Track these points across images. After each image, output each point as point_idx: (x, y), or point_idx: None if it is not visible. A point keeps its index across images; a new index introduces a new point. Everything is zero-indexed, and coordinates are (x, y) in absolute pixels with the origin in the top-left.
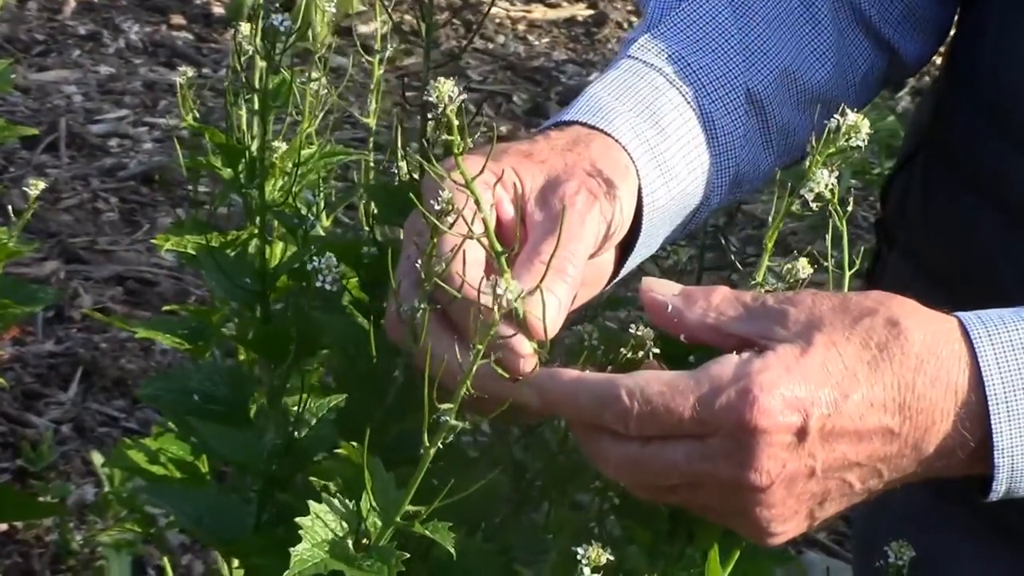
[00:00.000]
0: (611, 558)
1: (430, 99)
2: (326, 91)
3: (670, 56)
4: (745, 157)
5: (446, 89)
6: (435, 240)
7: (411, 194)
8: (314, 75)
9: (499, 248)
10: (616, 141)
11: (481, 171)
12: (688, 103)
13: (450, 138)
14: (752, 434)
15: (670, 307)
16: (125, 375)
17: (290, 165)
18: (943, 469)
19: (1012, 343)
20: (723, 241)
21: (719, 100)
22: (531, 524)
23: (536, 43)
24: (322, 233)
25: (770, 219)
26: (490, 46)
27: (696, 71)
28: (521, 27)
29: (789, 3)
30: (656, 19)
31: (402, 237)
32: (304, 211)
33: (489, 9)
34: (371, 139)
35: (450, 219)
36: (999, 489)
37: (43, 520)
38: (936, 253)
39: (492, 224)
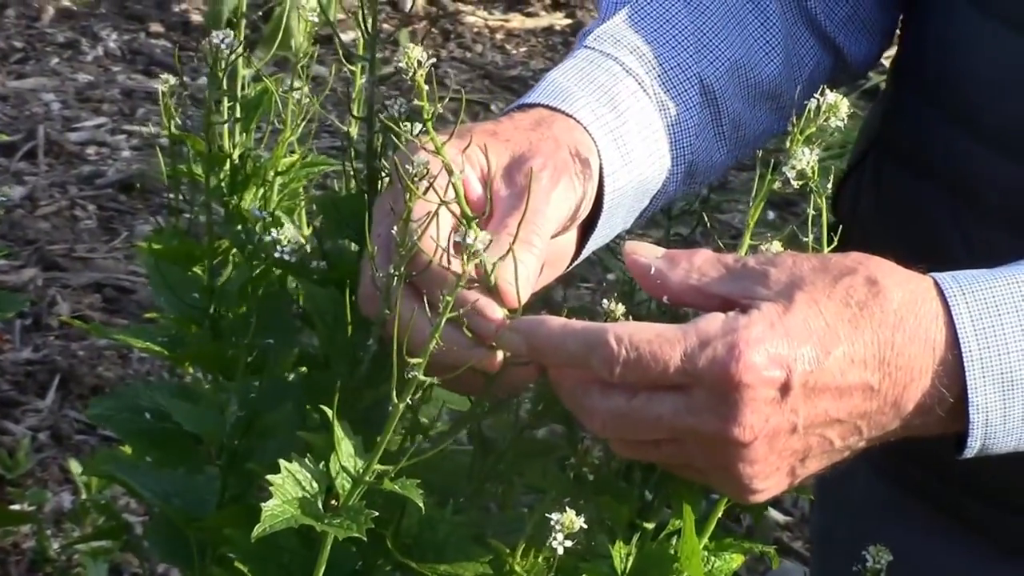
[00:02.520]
0: (584, 525)
1: (400, 65)
2: (308, 100)
3: (626, 46)
4: (699, 147)
5: (415, 55)
6: (411, 205)
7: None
8: (296, 84)
9: (469, 213)
10: (578, 122)
11: (448, 139)
12: (644, 91)
13: (419, 103)
14: (736, 389)
15: (653, 269)
16: (103, 383)
17: (272, 174)
18: (921, 427)
19: (986, 301)
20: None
21: (674, 90)
22: (500, 501)
23: (514, 52)
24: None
25: (752, 195)
26: (468, 55)
27: (651, 61)
28: (499, 36)
29: None
30: (612, 12)
31: (374, 211)
32: (283, 221)
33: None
34: (351, 148)
35: (424, 184)
36: (974, 445)
37: (20, 527)
38: (890, 247)
39: (462, 190)
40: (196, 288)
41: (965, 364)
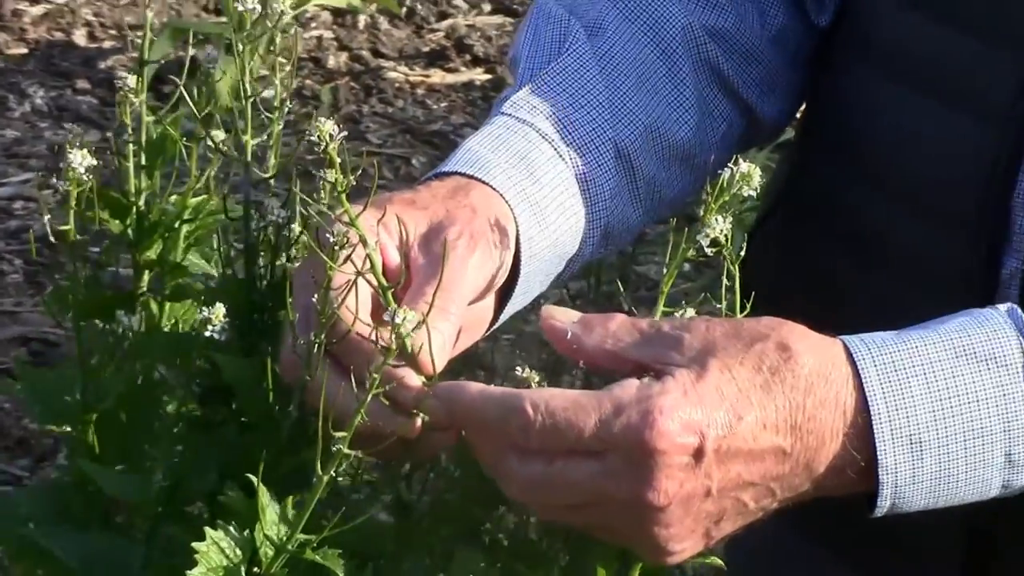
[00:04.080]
0: None
1: (312, 138)
2: (226, 148)
3: (541, 112)
4: (615, 210)
5: (327, 128)
6: (331, 274)
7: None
8: (219, 136)
9: (385, 284)
10: (495, 190)
11: (362, 211)
12: (560, 156)
13: (333, 174)
14: (651, 455)
15: (570, 334)
16: (28, 435)
17: (177, 222)
18: (833, 488)
19: (894, 365)
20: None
21: (589, 154)
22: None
23: (435, 107)
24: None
25: (666, 264)
26: (390, 110)
27: (567, 126)
28: (420, 91)
29: (652, 63)
30: (527, 78)
31: (294, 280)
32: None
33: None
34: (269, 196)
35: (343, 254)
36: (884, 505)
37: None
38: (797, 303)
39: (379, 261)
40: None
41: (874, 427)
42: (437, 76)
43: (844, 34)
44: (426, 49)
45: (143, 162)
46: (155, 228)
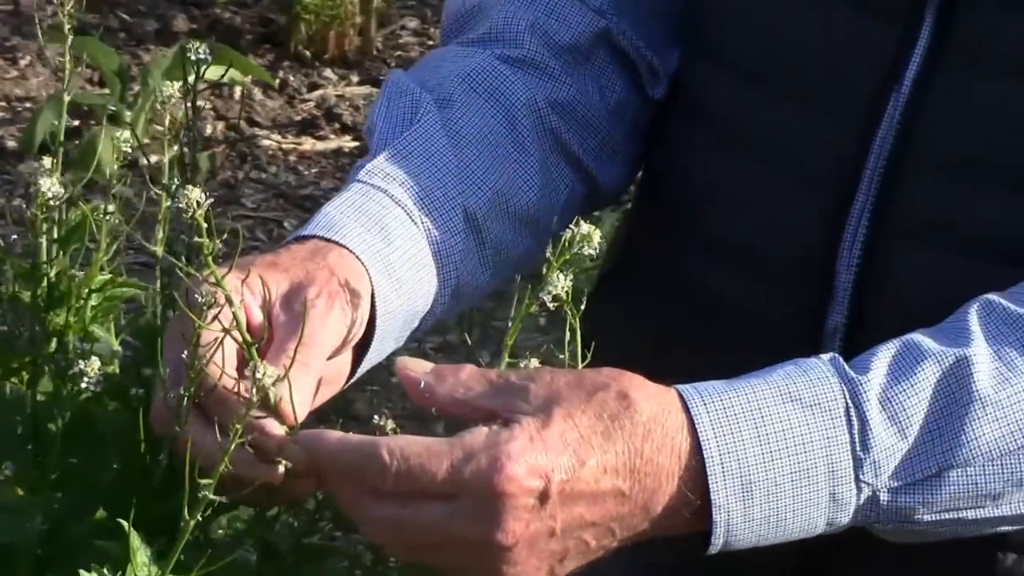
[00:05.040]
0: None
1: (180, 205)
2: (119, 221)
3: (395, 179)
4: (464, 270)
5: (194, 196)
6: (199, 332)
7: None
8: (109, 208)
9: (250, 340)
10: (351, 252)
11: (227, 273)
12: (413, 221)
13: (200, 240)
14: (499, 498)
15: (423, 383)
16: None
17: (86, 292)
18: (670, 528)
19: (725, 411)
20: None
21: (440, 219)
22: None
23: (306, 173)
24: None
25: (510, 319)
26: (264, 175)
27: (418, 192)
28: (292, 158)
29: (499, 133)
30: (381, 147)
31: (165, 337)
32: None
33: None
34: (157, 266)
35: (212, 313)
36: (717, 543)
37: None
38: (637, 354)
39: (243, 319)
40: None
41: (707, 470)
42: (308, 144)
43: (678, 104)
44: (298, 118)
45: (55, 237)
46: (64, 298)
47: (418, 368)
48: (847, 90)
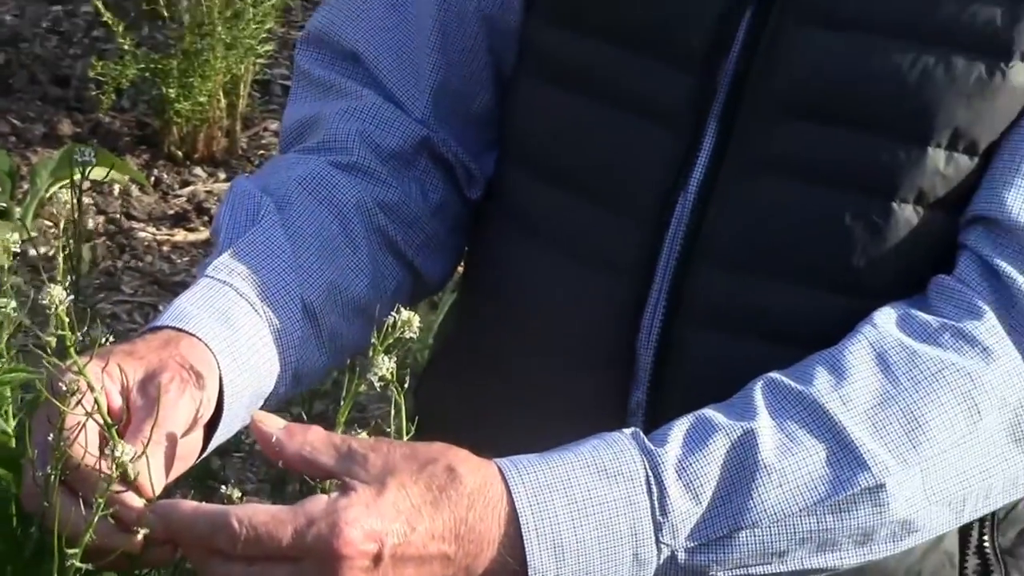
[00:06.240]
0: None
1: (43, 301)
2: (15, 312)
3: (239, 274)
4: (303, 356)
5: (56, 294)
6: (63, 417)
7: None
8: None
9: (110, 422)
10: (200, 340)
11: (88, 362)
12: (256, 311)
13: (63, 333)
14: (339, 560)
15: (275, 438)
16: None
17: None
18: None
19: (539, 482)
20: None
21: (279, 310)
22: None
23: (179, 261)
24: None
25: (342, 398)
26: (140, 264)
27: (259, 286)
28: (166, 248)
29: (332, 231)
30: (227, 246)
31: (33, 422)
32: None
33: None
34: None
35: (75, 399)
36: None
37: None
38: (463, 429)
39: (104, 404)
40: None
41: (524, 535)
42: (180, 235)
43: (492, 200)
44: (171, 212)
45: None
46: None
47: (271, 423)
48: (638, 192)
